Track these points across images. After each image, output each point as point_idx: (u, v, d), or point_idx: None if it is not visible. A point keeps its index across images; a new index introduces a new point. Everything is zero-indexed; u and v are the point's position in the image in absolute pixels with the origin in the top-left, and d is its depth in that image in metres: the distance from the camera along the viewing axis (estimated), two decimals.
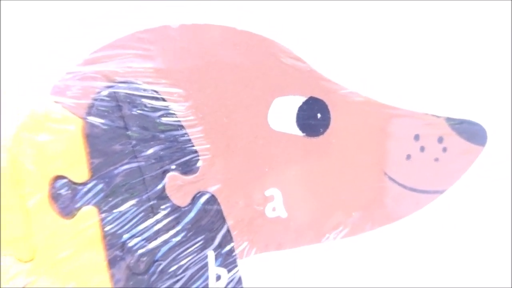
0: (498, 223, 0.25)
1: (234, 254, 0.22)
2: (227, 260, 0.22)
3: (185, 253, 0.22)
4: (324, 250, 0.23)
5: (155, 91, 0.21)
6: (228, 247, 0.22)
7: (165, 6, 0.22)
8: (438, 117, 0.23)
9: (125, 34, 0.21)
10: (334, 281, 0.24)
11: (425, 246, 0.25)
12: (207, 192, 0.22)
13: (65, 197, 0.21)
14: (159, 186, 0.21)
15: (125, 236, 0.21)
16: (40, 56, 0.22)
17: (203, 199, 0.22)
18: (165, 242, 0.22)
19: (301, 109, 0.22)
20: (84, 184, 0.21)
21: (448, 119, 0.23)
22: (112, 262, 0.22)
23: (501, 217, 0.24)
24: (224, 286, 0.22)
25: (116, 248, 0.22)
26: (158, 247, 0.22)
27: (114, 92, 0.21)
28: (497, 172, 0.23)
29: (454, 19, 0.23)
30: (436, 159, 0.22)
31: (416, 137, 0.22)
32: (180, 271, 0.22)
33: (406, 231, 0.25)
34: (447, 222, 0.28)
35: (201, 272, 0.22)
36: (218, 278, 0.22)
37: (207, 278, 0.22)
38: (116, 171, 0.21)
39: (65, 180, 0.21)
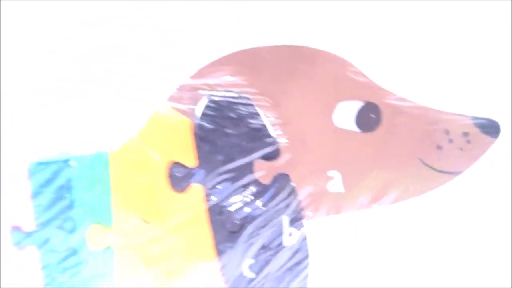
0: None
1: (302, 218, 0.30)
2: (297, 222, 0.30)
3: (266, 217, 0.29)
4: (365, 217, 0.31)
5: (247, 98, 0.27)
6: (298, 213, 0.29)
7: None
8: (465, 116, 0.29)
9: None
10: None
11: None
12: (284, 173, 0.29)
13: (179, 177, 0.28)
14: (249, 170, 0.28)
15: (224, 205, 0.29)
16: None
17: (281, 178, 0.29)
18: (253, 209, 0.29)
19: (359, 111, 0.28)
20: (193, 168, 0.28)
21: (473, 118, 0.29)
22: (213, 224, 0.29)
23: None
24: (294, 241, 0.30)
25: (216, 214, 0.29)
26: (248, 213, 0.29)
27: (216, 100, 0.27)
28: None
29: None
30: (461, 149, 0.29)
31: (446, 132, 0.29)
32: (263, 230, 0.29)
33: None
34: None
35: (278, 231, 0.30)
36: (290, 235, 0.30)
37: (280, 236, 0.30)
38: (216, 159, 0.28)
39: (179, 165, 0.28)
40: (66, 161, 0.28)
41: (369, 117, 0.28)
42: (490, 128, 0.29)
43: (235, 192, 0.29)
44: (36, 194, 0.28)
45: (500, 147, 0.30)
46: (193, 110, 0.27)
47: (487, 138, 0.29)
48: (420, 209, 0.31)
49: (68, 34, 0.29)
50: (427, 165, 0.29)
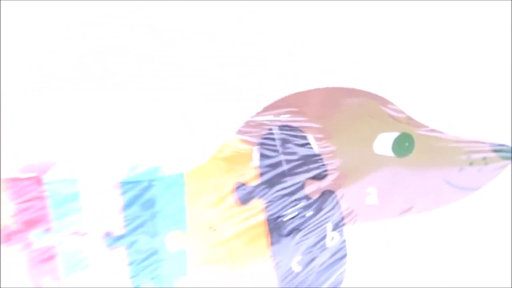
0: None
1: (343, 225, 0.36)
2: (338, 228, 0.36)
3: (314, 224, 0.35)
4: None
5: (301, 130, 0.32)
6: (340, 221, 0.35)
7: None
8: (485, 143, 0.34)
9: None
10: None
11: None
12: (330, 190, 0.34)
13: (243, 194, 0.34)
14: (301, 187, 0.34)
15: (279, 215, 0.35)
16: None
17: (327, 194, 0.34)
18: (302, 218, 0.35)
19: (395, 139, 0.33)
20: (255, 185, 0.34)
21: (491, 144, 0.34)
22: (270, 230, 0.35)
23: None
24: (335, 243, 0.36)
25: (272, 221, 0.35)
26: (299, 221, 0.35)
27: (275, 133, 0.32)
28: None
29: None
30: (479, 170, 0.34)
31: (468, 156, 0.34)
32: (311, 234, 0.35)
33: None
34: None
35: (322, 235, 0.36)
36: (332, 238, 0.36)
37: (324, 238, 0.36)
38: (275, 179, 0.33)
39: (243, 184, 0.34)
40: (151, 181, 0.34)
41: (403, 145, 0.33)
42: (507, 153, 0.34)
43: (289, 204, 0.35)
44: (126, 206, 0.34)
45: None
46: (257, 141, 0.32)
47: (503, 161, 0.34)
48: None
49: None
50: (449, 183, 0.35)
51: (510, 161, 0.34)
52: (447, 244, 0.38)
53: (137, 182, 0.34)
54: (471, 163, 0.34)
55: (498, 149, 0.34)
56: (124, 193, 0.34)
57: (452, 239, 0.39)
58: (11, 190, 0.34)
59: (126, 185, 0.34)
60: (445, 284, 0.39)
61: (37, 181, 0.34)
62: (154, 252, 0.36)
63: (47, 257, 0.36)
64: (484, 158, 0.34)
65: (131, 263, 0.36)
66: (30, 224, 0.35)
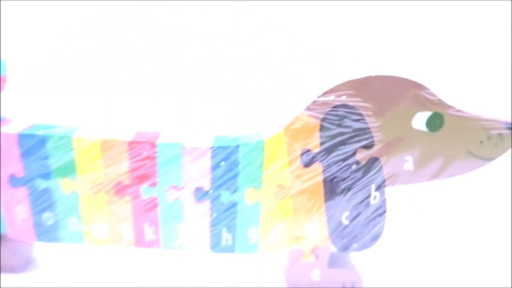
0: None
1: (384, 186, 0.44)
2: (380, 189, 0.45)
3: (361, 185, 0.44)
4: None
5: (355, 108, 0.41)
6: (382, 183, 0.44)
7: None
8: (500, 121, 0.42)
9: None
10: None
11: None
12: (376, 157, 0.43)
13: (307, 158, 0.43)
14: (353, 154, 0.43)
15: (334, 176, 0.44)
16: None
17: (373, 160, 0.43)
18: (352, 179, 0.44)
19: (429, 117, 0.42)
20: (317, 152, 0.43)
21: (506, 123, 0.42)
22: (326, 189, 0.44)
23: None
24: (377, 201, 0.45)
25: (328, 182, 0.44)
26: (349, 182, 0.44)
27: (336, 110, 0.41)
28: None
29: None
30: (495, 144, 0.43)
31: (487, 132, 0.42)
32: (358, 193, 0.44)
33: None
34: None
35: (367, 195, 0.45)
36: (375, 198, 0.45)
37: (369, 197, 0.45)
38: (333, 146, 0.43)
39: (308, 150, 0.43)
40: (236, 147, 0.43)
41: (435, 122, 0.42)
42: None
43: (342, 168, 0.44)
44: (214, 167, 0.44)
45: None
46: (321, 116, 0.42)
47: None
48: None
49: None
50: (471, 153, 0.43)
51: None
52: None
53: (225, 148, 0.43)
54: (489, 138, 0.43)
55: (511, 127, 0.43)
56: (213, 156, 0.43)
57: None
58: (130, 151, 0.43)
59: (216, 149, 0.43)
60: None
61: (151, 144, 0.43)
62: (233, 205, 0.45)
63: (150, 207, 0.45)
64: (500, 134, 0.43)
65: (212, 214, 0.46)
66: (140, 179, 0.44)
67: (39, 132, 0.43)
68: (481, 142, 0.43)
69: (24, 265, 0.49)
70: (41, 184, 0.44)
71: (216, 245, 0.47)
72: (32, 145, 0.43)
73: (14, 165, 0.44)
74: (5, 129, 0.43)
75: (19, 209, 0.45)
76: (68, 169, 0.44)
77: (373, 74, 0.41)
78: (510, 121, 0.43)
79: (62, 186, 0.44)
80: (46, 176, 0.44)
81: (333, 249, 0.48)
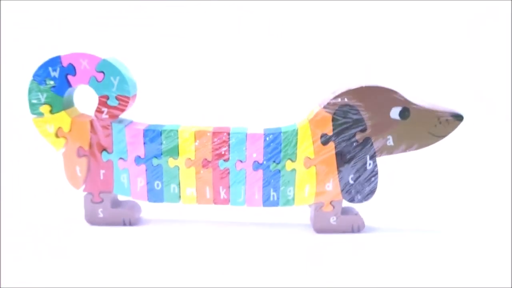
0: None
1: (375, 156, 0.69)
2: (373, 158, 0.69)
3: (360, 155, 0.68)
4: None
5: (355, 107, 0.66)
6: (373, 154, 0.68)
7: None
8: (447, 111, 0.67)
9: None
10: None
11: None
12: (368, 137, 0.67)
13: (325, 138, 0.68)
14: (354, 135, 0.67)
15: (343, 150, 0.68)
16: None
17: (367, 139, 0.68)
18: (354, 152, 0.68)
19: (400, 111, 0.66)
20: (331, 135, 0.67)
21: (450, 112, 0.66)
22: (337, 158, 0.68)
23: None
24: (371, 167, 0.69)
25: (339, 154, 0.68)
26: (353, 153, 0.68)
27: (342, 108, 0.66)
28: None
29: None
30: (444, 126, 0.67)
31: (438, 119, 0.67)
32: (359, 161, 0.69)
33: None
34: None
35: (364, 162, 0.69)
36: (369, 164, 0.69)
37: (366, 164, 0.69)
38: (342, 131, 0.67)
39: (325, 134, 0.67)
40: (280, 133, 0.68)
41: (405, 113, 0.66)
42: (458, 117, 0.67)
43: (348, 145, 0.68)
44: (267, 146, 0.68)
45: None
46: (333, 112, 0.66)
47: (456, 121, 0.67)
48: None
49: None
50: (430, 133, 0.68)
51: (460, 122, 0.67)
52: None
53: (272, 133, 0.68)
54: (440, 122, 0.67)
55: (453, 114, 0.67)
56: (265, 139, 0.68)
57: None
58: (213, 138, 0.68)
59: (267, 135, 0.68)
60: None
61: (227, 133, 0.68)
62: (277, 172, 0.70)
63: (224, 175, 0.70)
64: (447, 119, 0.67)
65: (264, 179, 0.70)
66: (219, 156, 0.69)
67: (157, 128, 0.69)
68: (435, 125, 0.67)
69: (138, 220, 0.74)
70: (155, 161, 0.69)
71: (266, 201, 0.71)
72: (153, 136, 0.68)
73: (139, 150, 0.69)
74: (135, 126, 0.69)
75: (139, 179, 0.70)
76: (173, 151, 0.69)
77: (364, 85, 0.66)
78: (453, 111, 0.67)
79: (169, 163, 0.69)
80: (159, 156, 0.69)
81: (344, 201, 0.71)
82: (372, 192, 0.70)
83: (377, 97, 0.66)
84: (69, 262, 0.60)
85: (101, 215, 0.72)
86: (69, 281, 0.54)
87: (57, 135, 0.69)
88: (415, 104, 0.67)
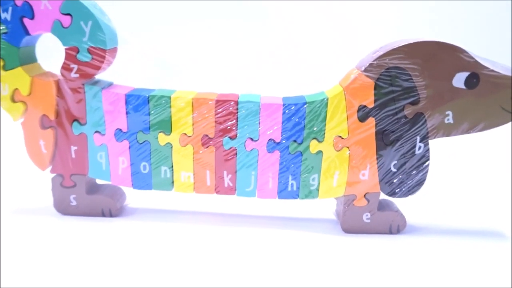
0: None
1: (428, 138, 0.53)
2: (424, 140, 0.53)
3: (408, 136, 0.52)
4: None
5: (405, 69, 0.50)
6: (426, 135, 0.52)
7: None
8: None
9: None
10: None
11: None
12: (421, 112, 0.51)
13: (364, 113, 0.51)
14: (402, 109, 0.51)
15: (385, 129, 0.52)
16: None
17: (419, 115, 0.51)
18: (401, 131, 0.52)
19: (467, 77, 0.50)
20: (371, 108, 0.51)
21: None
22: (377, 140, 0.52)
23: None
24: (421, 151, 0.53)
25: (380, 134, 0.52)
26: (398, 134, 0.52)
27: (389, 72, 0.50)
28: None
29: None
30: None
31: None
32: (405, 144, 0.53)
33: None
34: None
35: (412, 145, 0.53)
36: (419, 148, 0.53)
37: (414, 147, 0.53)
38: (386, 102, 0.51)
39: (364, 106, 0.51)
40: (304, 103, 0.52)
41: (472, 81, 0.50)
42: None
43: (392, 122, 0.52)
44: (286, 120, 0.52)
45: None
46: (376, 77, 0.50)
47: None
48: None
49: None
50: (503, 108, 0.51)
51: None
52: None
53: (295, 104, 0.52)
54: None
55: None
56: (284, 112, 0.52)
57: None
58: (216, 108, 0.52)
59: (287, 106, 0.52)
60: None
61: (235, 102, 0.52)
62: (299, 155, 0.54)
63: (229, 157, 0.54)
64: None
65: (281, 163, 0.54)
66: (223, 132, 0.53)
67: (144, 93, 0.53)
68: (510, 98, 0.51)
69: (120, 210, 0.59)
70: (141, 137, 0.54)
71: (282, 191, 0.55)
72: (137, 104, 0.52)
73: (120, 122, 0.53)
74: (114, 90, 0.53)
75: (121, 159, 0.55)
76: (165, 124, 0.53)
77: (421, 39, 0.49)
78: None
79: (159, 139, 0.54)
80: (146, 130, 0.53)
81: (382, 194, 0.56)
82: (419, 184, 0.55)
83: (438, 57, 0.49)
84: (32, 262, 0.48)
85: (74, 202, 0.57)
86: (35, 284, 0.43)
87: (13, 99, 0.53)
88: (487, 68, 0.50)
